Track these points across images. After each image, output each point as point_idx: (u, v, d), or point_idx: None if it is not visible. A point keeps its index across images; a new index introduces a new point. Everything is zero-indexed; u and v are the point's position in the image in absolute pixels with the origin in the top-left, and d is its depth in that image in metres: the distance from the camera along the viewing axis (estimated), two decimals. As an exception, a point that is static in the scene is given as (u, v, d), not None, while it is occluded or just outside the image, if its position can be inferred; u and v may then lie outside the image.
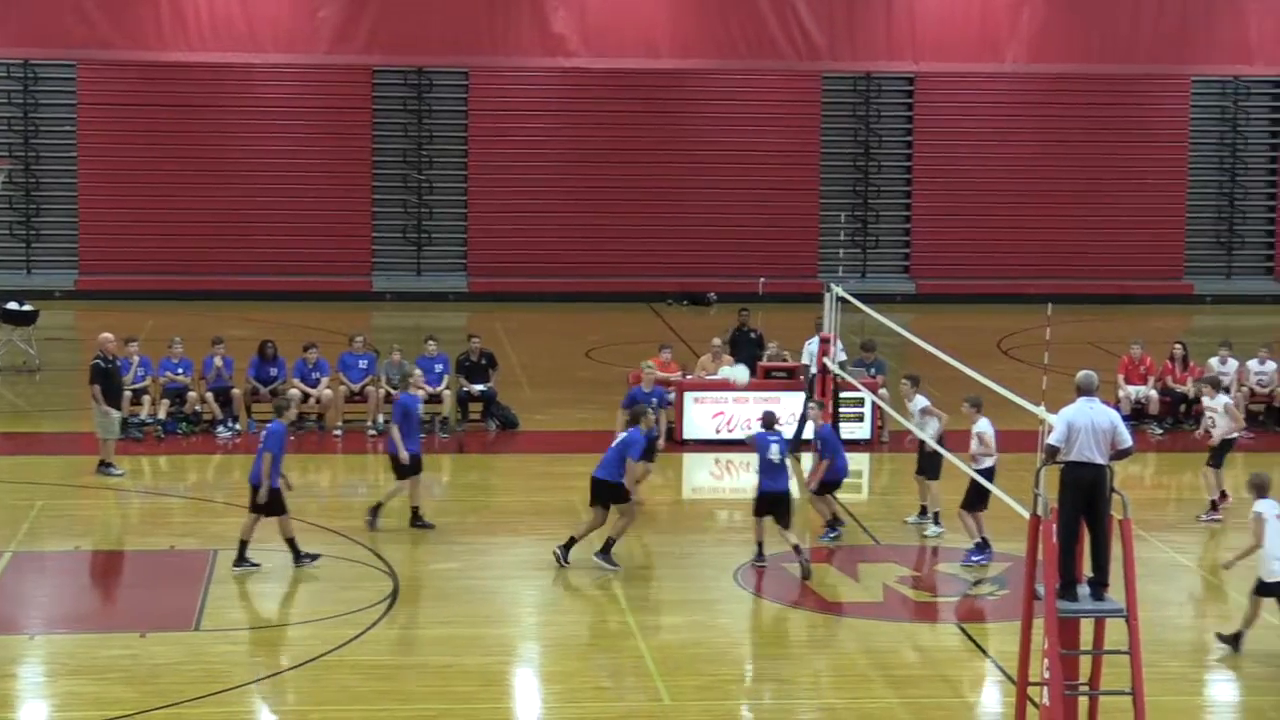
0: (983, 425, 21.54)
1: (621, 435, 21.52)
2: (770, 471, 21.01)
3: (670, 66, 31.05)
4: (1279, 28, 28.80)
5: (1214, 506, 23.74)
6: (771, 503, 21.01)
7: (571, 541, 21.11)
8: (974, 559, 21.43)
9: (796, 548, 20.84)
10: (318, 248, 41.42)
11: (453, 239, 42.66)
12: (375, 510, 22.45)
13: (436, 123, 42.37)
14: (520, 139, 42.12)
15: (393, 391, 27.80)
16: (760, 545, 21.23)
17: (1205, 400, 24.45)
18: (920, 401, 22.70)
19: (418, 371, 24.88)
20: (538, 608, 20.09)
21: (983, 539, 21.51)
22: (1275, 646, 18.90)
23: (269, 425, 21.02)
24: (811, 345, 27.20)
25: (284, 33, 29.87)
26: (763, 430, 21.40)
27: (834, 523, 22.46)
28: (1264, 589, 18.18)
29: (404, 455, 22.20)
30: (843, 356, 27.14)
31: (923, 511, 22.94)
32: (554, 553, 21.07)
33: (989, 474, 21.10)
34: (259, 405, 27.87)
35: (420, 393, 23.72)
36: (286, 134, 41.57)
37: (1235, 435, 23.87)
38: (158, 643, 18.33)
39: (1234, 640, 18.41)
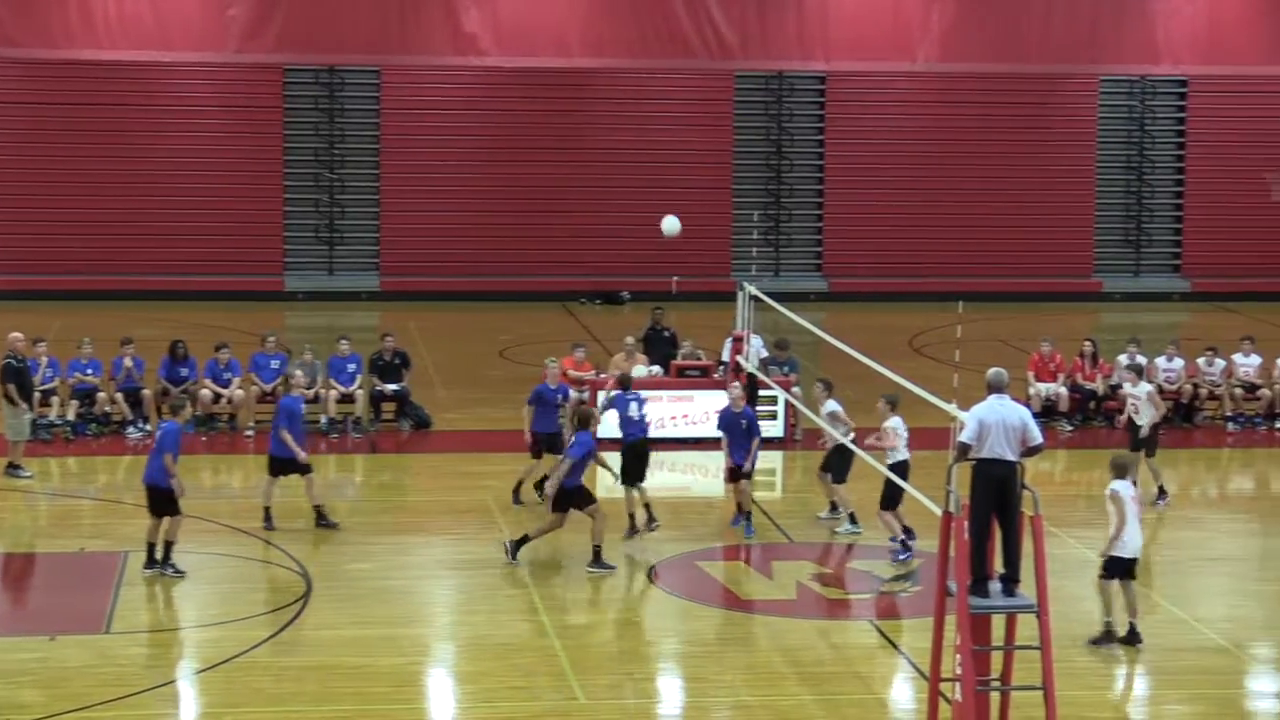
0: (893, 421, 21.70)
1: (571, 440, 21.43)
2: (630, 425, 22.08)
3: (583, 65, 31.08)
4: (1185, 28, 29.10)
5: (1161, 492, 24.05)
6: (637, 454, 21.95)
7: (524, 540, 21.09)
8: (902, 556, 21.58)
9: (648, 506, 22.08)
10: (229, 247, 41.15)
11: (365, 238, 42.50)
12: (267, 514, 22.34)
13: (348, 121, 42.19)
14: (433, 138, 42.00)
15: (305, 391, 27.71)
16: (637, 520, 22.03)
17: (1128, 388, 24.72)
18: (830, 406, 22.79)
19: (298, 373, 24.76)
20: (452, 608, 20.06)
21: (906, 529, 21.72)
22: (1180, 641, 19.10)
23: (162, 425, 20.91)
24: (754, 343, 27.28)
25: (194, 31, 29.70)
26: (620, 392, 22.45)
27: (741, 511, 22.70)
28: (1111, 568, 18.34)
29: (302, 456, 22.15)
30: (765, 353, 27.24)
31: (833, 508, 23.05)
32: (504, 545, 21.12)
33: (902, 470, 21.26)
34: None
35: (301, 393, 23.57)
36: (197, 132, 41.27)
37: (1159, 420, 24.10)
38: (67, 646, 18.18)
39: (1106, 638, 18.58)
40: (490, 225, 41.94)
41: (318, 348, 29.12)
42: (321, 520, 22.43)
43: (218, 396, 27.93)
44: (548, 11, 29.16)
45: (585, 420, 21.51)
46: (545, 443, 23.53)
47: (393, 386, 28.51)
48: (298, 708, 16.80)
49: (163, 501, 20.31)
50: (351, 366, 28.34)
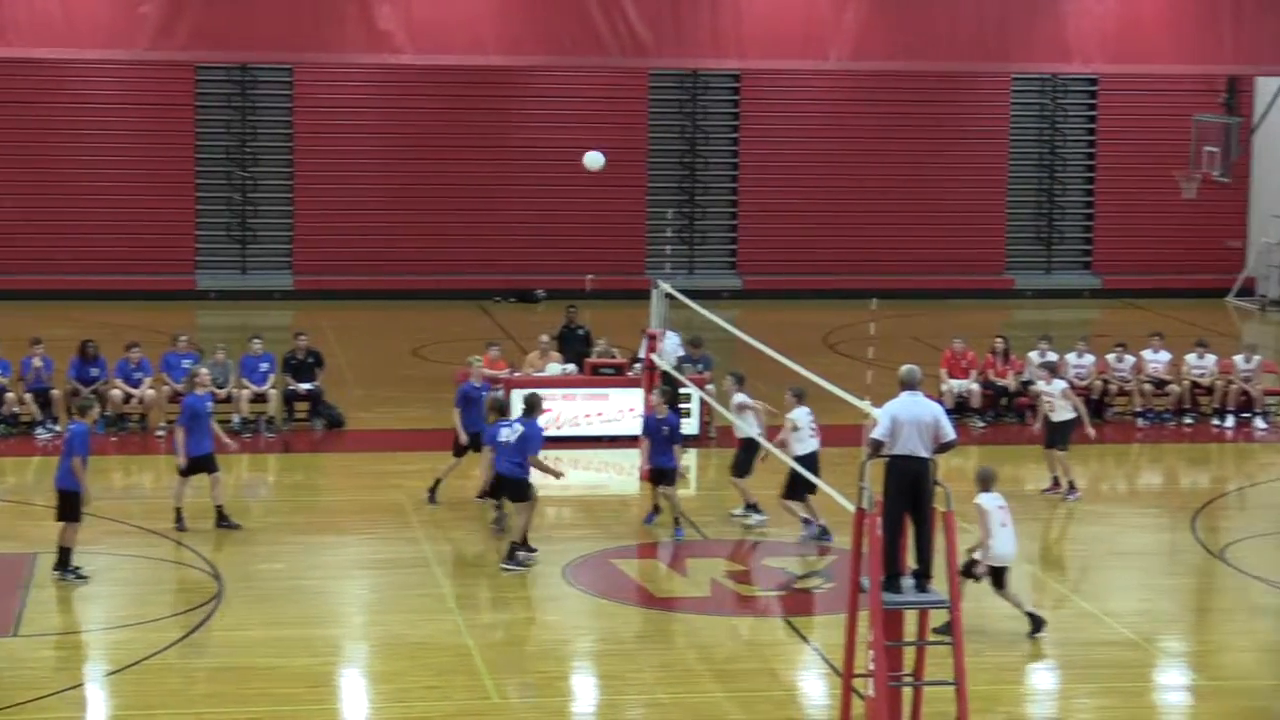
0: (798, 413, 21.90)
1: (520, 430, 21.40)
2: (504, 453, 21.63)
3: (497, 63, 30.91)
4: (1095, 26, 29.25)
5: (1072, 486, 24.25)
6: (503, 485, 21.80)
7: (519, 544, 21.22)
8: (810, 535, 21.91)
9: (499, 518, 22.19)
10: (140, 246, 40.82)
11: (278, 236, 42.26)
12: (178, 516, 22.15)
13: (261, 119, 41.94)
14: (347, 135, 41.81)
15: (217, 391, 27.56)
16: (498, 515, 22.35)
17: (1041, 385, 24.90)
18: (739, 398, 22.87)
19: (204, 371, 24.58)
20: (365, 608, 19.99)
21: (806, 519, 21.91)
22: (1091, 635, 19.26)
23: (70, 426, 20.72)
24: (670, 342, 27.26)
25: (104, 28, 29.35)
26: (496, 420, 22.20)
27: (657, 509, 22.85)
28: (969, 570, 18.54)
29: (182, 460, 22.02)
30: (681, 352, 27.19)
31: (749, 507, 23.13)
32: (506, 567, 21.07)
33: (811, 461, 21.41)
34: (80, 406, 27.52)
35: (206, 392, 23.40)
36: (108, 131, 40.91)
37: (1073, 417, 24.31)
38: (-24, 649, 18.02)
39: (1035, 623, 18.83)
40: (405, 224, 41.80)
41: (230, 347, 28.95)
42: (222, 521, 22.29)
43: (129, 397, 27.72)
44: (462, 9, 29.01)
45: (532, 407, 21.59)
46: (473, 442, 23.47)
47: (306, 386, 28.39)
48: (209, 709, 16.70)
49: (64, 505, 20.08)
50: (264, 366, 28.19)
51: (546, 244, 41.86)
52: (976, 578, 18.74)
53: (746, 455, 22.82)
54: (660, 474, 22.64)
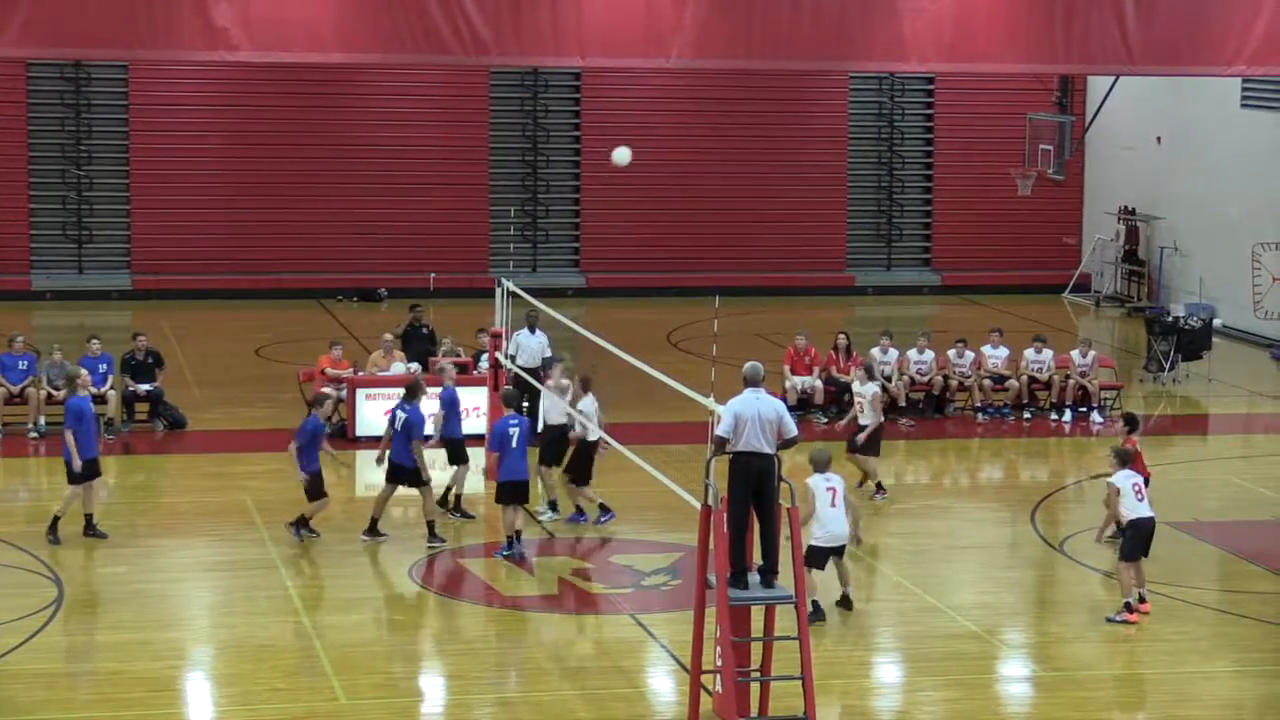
0: (585, 403, 22.25)
1: (403, 417, 21.79)
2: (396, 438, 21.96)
3: (337, 61, 30.67)
4: (930, 25, 29.53)
5: (879, 488, 24.43)
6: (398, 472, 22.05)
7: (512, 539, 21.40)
8: (604, 520, 22.50)
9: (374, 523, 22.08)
10: (-27, 246, 40.16)
11: (115, 236, 41.69)
12: (54, 525, 21.70)
13: (96, 117, 41.34)
14: (184, 134, 41.32)
15: (54, 392, 27.18)
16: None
17: (855, 386, 24.93)
18: (587, 403, 22.68)
19: (84, 372, 24.25)
20: (210, 610, 19.79)
21: (594, 505, 22.62)
22: (933, 628, 19.49)
23: None
24: (520, 338, 27.15)
25: (-68, 23, 28.86)
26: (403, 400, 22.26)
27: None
28: (810, 557, 18.66)
29: (77, 463, 21.61)
30: (549, 352, 26.88)
31: (579, 510, 23.16)
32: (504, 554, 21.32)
33: (591, 448, 22.23)
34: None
35: (88, 393, 23.03)
36: (-62, 128, 40.22)
37: (879, 424, 24.21)
38: None
39: (816, 614, 19.00)
40: (245, 222, 41.41)
41: (67, 347, 28.52)
42: (90, 529, 21.91)
43: (-37, 399, 27.24)
44: (300, 6, 28.76)
45: (414, 392, 21.91)
46: (454, 450, 23.27)
47: (146, 386, 28.06)
48: (49, 716, 16.46)
49: None
50: (103, 366, 27.81)
51: (389, 242, 41.65)
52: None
53: (582, 461, 22.83)
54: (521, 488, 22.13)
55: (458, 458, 23.29)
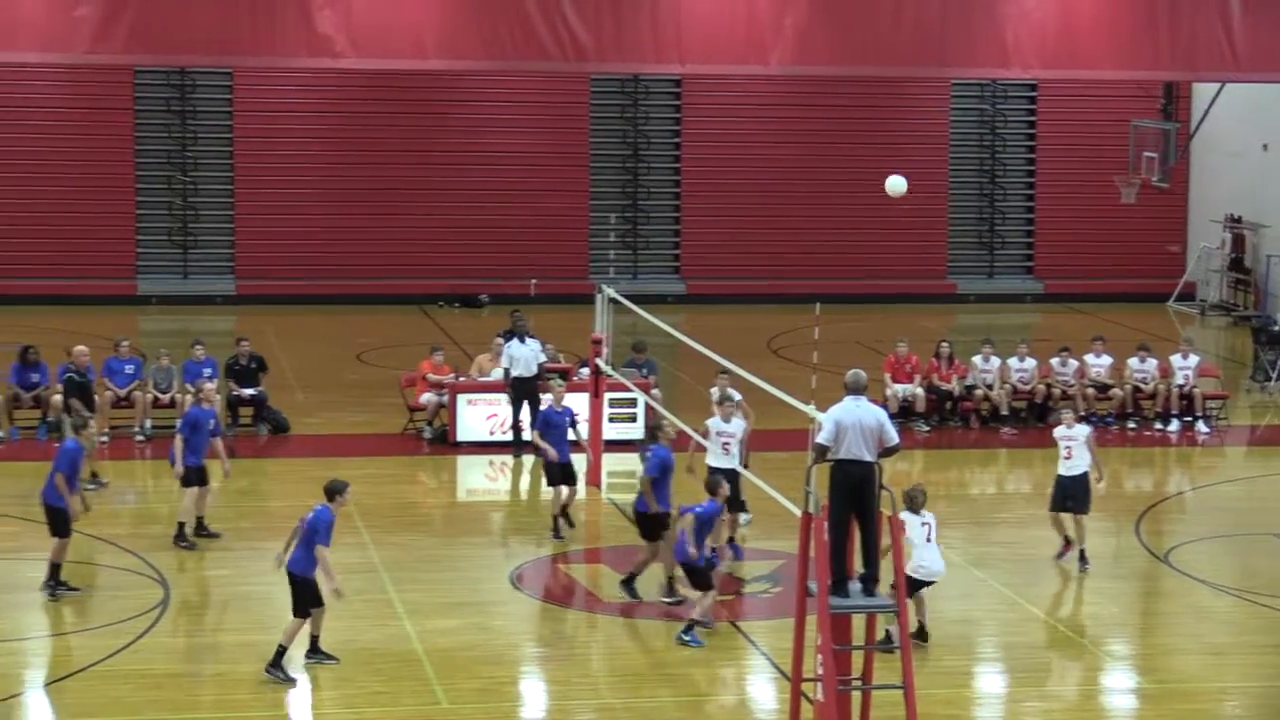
0: (734, 424, 21.90)
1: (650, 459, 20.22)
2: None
3: (438, 67, 30.84)
4: (1034, 32, 29.39)
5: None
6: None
7: (631, 577, 20.26)
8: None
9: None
10: (80, 251, 40.59)
11: (220, 241, 42.07)
12: (181, 532, 21.85)
13: (201, 124, 41.76)
14: (288, 140, 41.67)
15: (160, 396, 27.47)
16: None
17: (1063, 429, 22.37)
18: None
19: (209, 385, 24.36)
20: (312, 613, 19.87)
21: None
22: (1039, 638, 19.36)
23: (64, 443, 20.49)
24: (511, 348, 27.10)
25: (41, 31, 29.13)
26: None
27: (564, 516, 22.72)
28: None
29: (179, 469, 21.82)
30: (542, 358, 26.83)
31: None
32: (623, 589, 20.27)
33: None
34: (20, 411, 27.40)
35: (211, 406, 23.02)
36: (46, 135, 40.66)
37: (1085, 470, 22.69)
38: (-84, 657, 17.89)
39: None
40: (347, 228, 41.69)
41: (173, 352, 28.79)
42: (202, 530, 22.12)
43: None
44: (403, 13, 28.95)
45: (654, 434, 20.31)
46: (564, 471, 22.74)
47: (250, 391, 28.28)
48: (155, 716, 16.61)
49: (54, 521, 19.85)
50: (207, 371, 28.02)
51: (490, 248, 41.80)
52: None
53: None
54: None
55: (565, 479, 22.83)
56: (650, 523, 20.10)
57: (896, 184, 21.57)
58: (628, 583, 20.28)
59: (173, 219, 41.78)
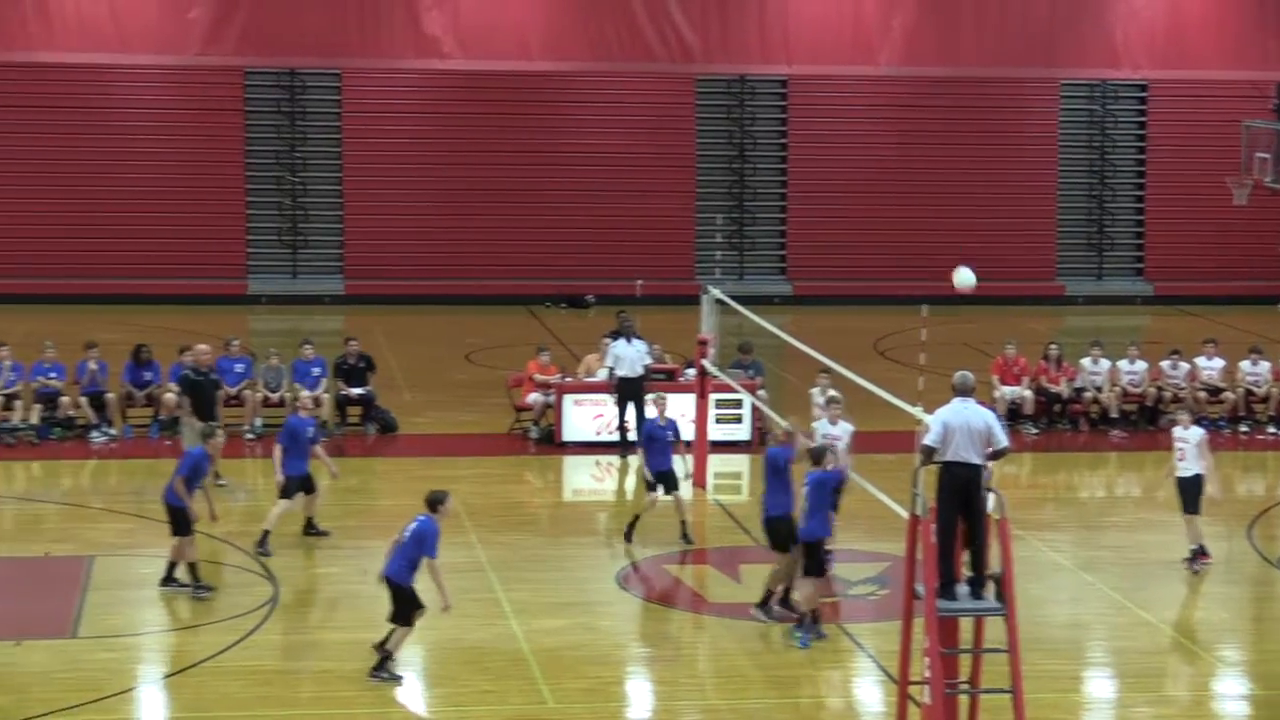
0: (841, 427, 21.74)
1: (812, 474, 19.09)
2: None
3: (544, 68, 31.01)
4: (1144, 32, 29.21)
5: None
6: None
7: (768, 595, 19.72)
8: None
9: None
10: (191, 250, 41.02)
11: (328, 241, 42.40)
12: (264, 539, 21.98)
13: (310, 124, 42.11)
14: (395, 140, 41.94)
15: (270, 395, 27.73)
16: None
17: (1179, 431, 22.20)
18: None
19: (305, 393, 24.51)
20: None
21: None
22: (1149, 643, 19.19)
23: (190, 451, 20.70)
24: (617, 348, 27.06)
25: (154, 34, 29.55)
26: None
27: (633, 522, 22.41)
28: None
29: (279, 479, 21.97)
30: (648, 360, 26.73)
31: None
32: (753, 614, 19.63)
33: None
34: (134, 410, 27.75)
35: (308, 414, 23.17)
36: (158, 136, 41.13)
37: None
38: (34, 650, 18.13)
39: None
40: (455, 228, 41.92)
41: (282, 352, 29.04)
42: (310, 529, 22.31)
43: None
44: (509, 14, 29.14)
45: (818, 457, 19.09)
46: (664, 479, 22.36)
47: (358, 390, 28.48)
48: (265, 712, 16.77)
49: (174, 520, 20.09)
50: (316, 370, 28.28)
51: (596, 249, 41.89)
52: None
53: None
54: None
55: (669, 486, 22.59)
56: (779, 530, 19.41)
57: (965, 278, 20.84)
58: (763, 605, 19.62)
59: (282, 219, 42.15)
